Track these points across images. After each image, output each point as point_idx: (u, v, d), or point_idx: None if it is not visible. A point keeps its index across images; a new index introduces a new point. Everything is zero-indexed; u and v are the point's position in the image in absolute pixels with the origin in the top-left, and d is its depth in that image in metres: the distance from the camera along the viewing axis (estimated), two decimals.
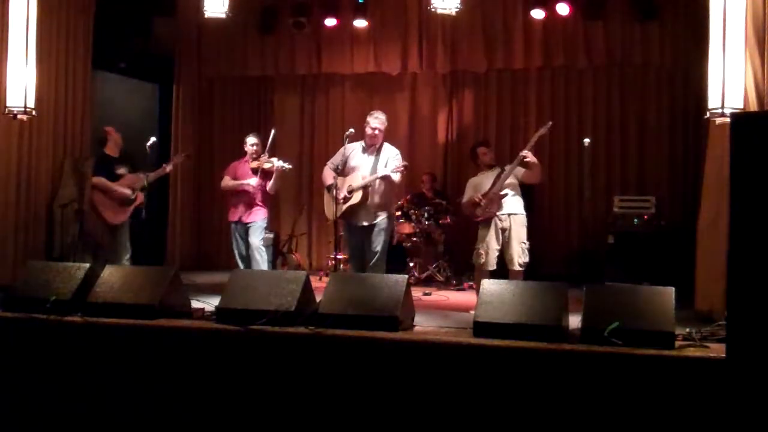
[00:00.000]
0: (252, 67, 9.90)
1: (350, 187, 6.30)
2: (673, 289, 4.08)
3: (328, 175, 6.42)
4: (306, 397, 4.24)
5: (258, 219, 7.14)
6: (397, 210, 8.54)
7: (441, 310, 6.21)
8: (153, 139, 6.78)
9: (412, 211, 8.62)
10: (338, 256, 7.38)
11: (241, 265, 7.08)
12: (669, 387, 3.73)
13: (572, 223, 9.00)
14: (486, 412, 3.98)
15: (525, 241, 6.28)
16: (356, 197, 6.27)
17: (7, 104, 5.82)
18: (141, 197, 6.97)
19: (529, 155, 6.25)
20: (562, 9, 8.60)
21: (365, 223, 6.30)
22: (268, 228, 7.77)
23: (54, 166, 8.06)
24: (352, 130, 6.38)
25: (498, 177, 6.37)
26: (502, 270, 6.29)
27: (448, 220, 8.63)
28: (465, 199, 6.59)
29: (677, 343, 3.92)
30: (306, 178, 9.81)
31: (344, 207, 6.25)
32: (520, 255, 6.22)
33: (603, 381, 3.82)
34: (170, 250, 9.70)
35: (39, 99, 6.19)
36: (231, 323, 4.42)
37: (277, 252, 9.16)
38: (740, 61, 4.86)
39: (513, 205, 6.31)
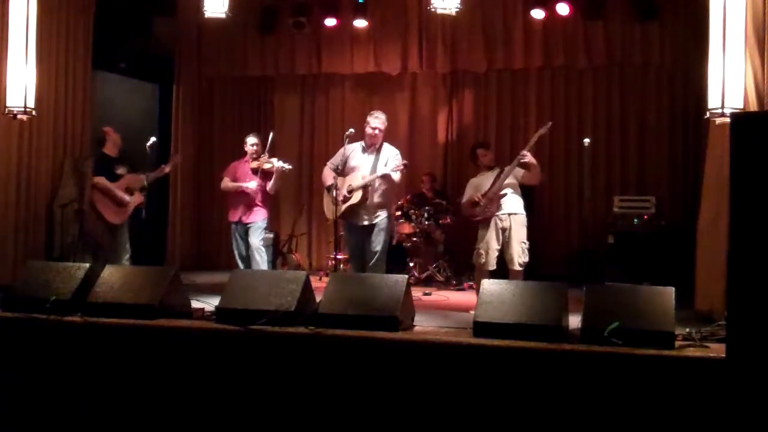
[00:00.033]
0: (252, 67, 9.90)
1: (350, 186, 6.30)
2: (673, 289, 4.08)
3: (328, 176, 6.42)
4: (306, 397, 4.24)
5: (258, 219, 7.14)
6: (397, 210, 8.55)
7: (441, 310, 6.22)
8: (153, 139, 6.79)
9: (412, 211, 8.62)
10: (338, 256, 7.38)
11: (241, 266, 7.09)
12: (669, 387, 3.73)
13: (572, 223, 9.00)
14: (486, 412, 3.98)
15: (525, 241, 6.28)
16: (356, 197, 6.27)
17: (7, 104, 5.82)
18: (141, 197, 6.97)
19: (527, 156, 6.24)
20: (562, 9, 8.59)
21: (365, 223, 6.30)
22: (268, 228, 7.77)
23: (54, 166, 8.06)
24: (352, 130, 6.38)
25: (497, 177, 6.37)
26: (502, 270, 6.28)
27: (448, 220, 8.63)
28: (465, 199, 6.59)
29: (677, 343, 3.92)
30: (306, 178, 9.81)
31: (344, 207, 6.25)
32: (520, 255, 6.22)
33: (603, 381, 3.82)
34: (170, 250, 9.70)
35: (39, 99, 6.19)
36: (231, 323, 4.42)
37: (277, 252, 9.16)
38: (740, 61, 4.85)
39: (513, 204, 6.31)
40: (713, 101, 4.86)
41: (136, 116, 9.91)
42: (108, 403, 4.50)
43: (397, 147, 6.64)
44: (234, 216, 7.21)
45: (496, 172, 6.48)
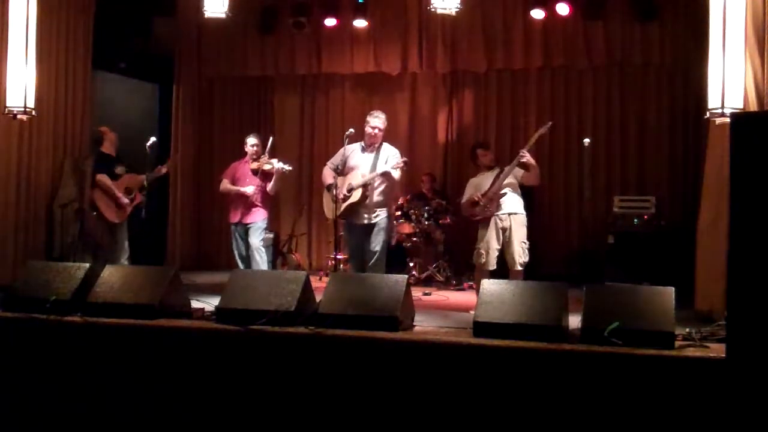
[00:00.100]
0: (252, 67, 9.90)
1: (350, 186, 6.30)
2: (673, 289, 4.08)
3: (328, 175, 6.43)
4: (306, 397, 4.24)
5: (258, 219, 7.14)
6: (397, 210, 8.55)
7: (441, 310, 6.21)
8: (153, 139, 6.80)
9: (412, 211, 8.62)
10: (338, 256, 7.38)
11: (241, 266, 7.09)
12: (669, 387, 3.73)
13: (572, 223, 9.00)
14: (486, 412, 3.98)
15: (525, 241, 6.28)
16: (356, 195, 6.27)
17: (7, 104, 5.81)
18: (141, 197, 6.97)
19: (527, 156, 6.24)
20: (562, 9, 8.59)
21: (365, 222, 6.30)
22: (268, 228, 7.77)
23: (54, 166, 8.07)
24: (352, 130, 6.38)
25: (497, 177, 6.37)
26: (502, 270, 6.28)
27: (448, 220, 8.63)
28: (465, 199, 6.59)
29: (677, 343, 3.92)
30: (306, 179, 9.81)
31: (344, 205, 6.25)
32: (520, 255, 6.22)
33: (603, 381, 3.82)
34: (170, 250, 9.70)
35: (39, 99, 6.19)
36: (231, 323, 4.42)
37: (277, 252, 9.16)
38: (740, 61, 4.85)
39: (513, 204, 6.31)
40: (713, 101, 4.86)
41: (136, 116, 9.92)
42: (108, 403, 4.50)
43: (397, 147, 6.64)
44: (234, 217, 7.22)
45: (495, 171, 6.48)
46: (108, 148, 7.04)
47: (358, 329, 4.26)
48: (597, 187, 8.54)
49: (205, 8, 6.19)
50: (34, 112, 5.94)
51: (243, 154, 7.40)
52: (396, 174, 6.32)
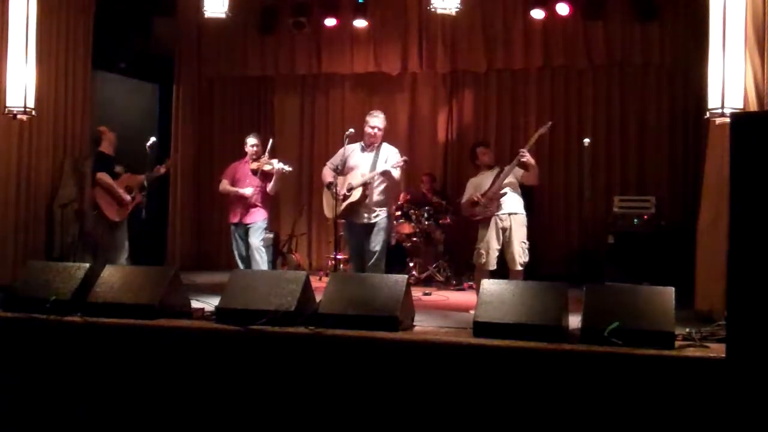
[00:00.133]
0: (252, 67, 9.90)
1: (350, 185, 6.30)
2: (673, 289, 4.08)
3: (328, 174, 6.43)
4: (306, 397, 4.24)
5: (258, 219, 7.14)
6: (397, 210, 8.55)
7: (441, 310, 6.21)
8: (153, 139, 6.80)
9: (412, 211, 8.62)
10: (338, 256, 7.38)
11: (241, 266, 7.09)
12: (669, 387, 3.73)
13: (572, 223, 9.00)
14: (486, 412, 3.98)
15: (525, 241, 6.28)
16: (356, 194, 6.27)
17: (7, 104, 5.81)
18: (140, 197, 6.97)
19: (526, 155, 6.24)
20: (562, 9, 8.59)
21: (365, 221, 6.30)
22: (268, 228, 7.77)
23: (54, 166, 8.08)
24: (351, 130, 6.39)
25: (497, 176, 6.37)
26: (502, 270, 6.28)
27: (448, 220, 8.63)
28: (465, 198, 6.59)
29: (677, 343, 3.92)
30: (306, 179, 9.81)
31: (344, 205, 6.26)
32: (520, 255, 6.22)
33: (603, 381, 3.82)
34: (170, 250, 9.70)
35: (39, 99, 6.19)
36: (231, 323, 4.42)
37: (277, 252, 9.16)
38: (740, 61, 4.85)
39: (513, 204, 6.31)
40: (713, 101, 4.86)
41: (136, 116, 9.92)
42: (108, 403, 4.49)
43: (397, 147, 6.64)
44: (234, 218, 7.22)
45: (495, 171, 6.48)
46: (107, 147, 7.04)
47: (358, 329, 4.25)
48: (597, 187, 8.54)
49: (205, 8, 6.19)
50: (34, 112, 5.93)
51: (243, 154, 7.39)
52: (396, 173, 6.32)
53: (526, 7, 8.82)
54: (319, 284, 6.05)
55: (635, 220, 7.95)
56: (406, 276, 4.68)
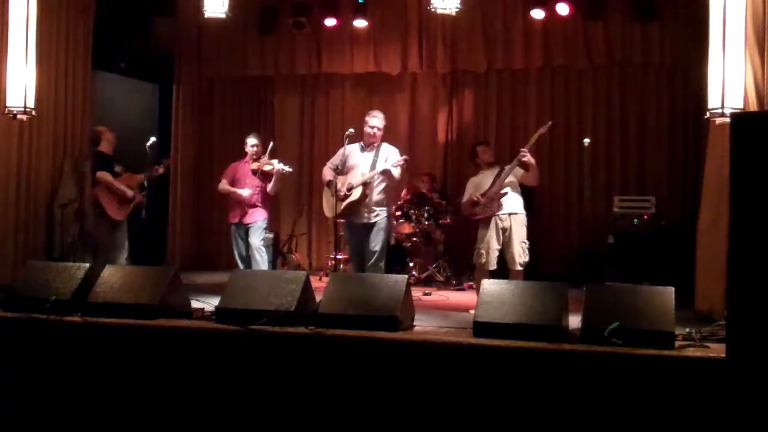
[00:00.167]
0: (252, 67, 9.90)
1: (350, 184, 6.30)
2: (673, 289, 4.08)
3: (328, 173, 6.45)
4: (306, 397, 4.24)
5: (258, 219, 7.15)
6: (397, 210, 8.55)
7: (441, 310, 6.21)
8: (153, 139, 6.80)
9: (412, 211, 8.62)
10: (338, 256, 7.38)
11: (241, 266, 7.09)
12: (669, 387, 3.73)
13: (572, 223, 9.00)
14: (486, 412, 3.98)
15: (525, 241, 6.28)
16: (356, 193, 6.27)
17: (7, 104, 5.81)
18: (140, 197, 6.97)
19: (527, 155, 6.24)
20: (562, 9, 8.60)
21: (365, 221, 6.30)
22: (268, 228, 7.77)
23: (54, 166, 8.07)
24: (351, 130, 6.39)
25: (498, 176, 6.37)
26: (502, 270, 6.28)
27: (448, 220, 8.63)
28: (465, 198, 6.58)
29: (677, 343, 3.91)
30: (306, 178, 9.81)
31: (343, 204, 6.26)
32: (520, 255, 6.22)
33: (603, 381, 3.82)
34: (170, 250, 9.70)
35: (39, 99, 6.19)
36: (231, 323, 4.42)
37: (277, 252, 9.16)
38: (740, 61, 4.85)
39: (513, 204, 6.31)
40: (713, 101, 4.86)
41: (136, 116, 9.93)
42: (108, 403, 4.49)
43: (397, 147, 6.65)
44: (234, 218, 7.22)
45: (496, 170, 6.47)
46: (106, 147, 7.03)
47: (358, 329, 4.25)
48: (597, 187, 8.54)
49: (205, 8, 6.19)
50: (34, 112, 5.93)
51: (243, 154, 7.40)
52: (396, 172, 6.32)
53: (526, 7, 8.82)
54: (319, 284, 6.05)
55: (635, 220, 7.95)
56: (406, 276, 4.68)
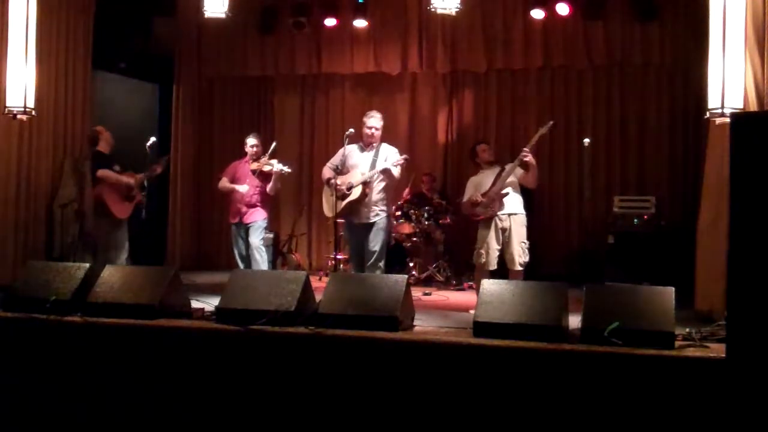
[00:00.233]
0: (252, 67, 9.90)
1: (350, 183, 6.30)
2: (673, 289, 4.08)
3: (327, 172, 6.46)
4: (306, 397, 4.24)
5: (258, 219, 7.15)
6: (397, 210, 8.55)
7: (441, 310, 6.21)
8: (153, 139, 6.79)
9: (412, 211, 8.62)
10: (338, 256, 7.38)
11: (242, 266, 7.09)
12: (669, 387, 3.73)
13: (572, 223, 9.00)
14: (486, 412, 3.98)
15: (525, 241, 6.28)
16: (355, 192, 6.27)
17: (7, 104, 5.81)
18: (140, 196, 6.97)
19: (528, 155, 6.24)
20: (562, 9, 8.60)
21: (364, 221, 6.30)
22: (268, 228, 7.77)
23: (54, 166, 8.07)
24: (351, 130, 6.39)
25: (498, 176, 6.37)
26: (502, 270, 6.28)
27: (448, 220, 8.63)
28: (465, 198, 6.58)
29: (677, 343, 3.91)
30: (306, 178, 9.81)
31: (343, 203, 6.25)
32: (520, 255, 6.22)
33: (603, 381, 3.82)
34: (170, 250, 9.71)
35: (39, 99, 6.19)
36: (231, 323, 4.42)
37: (277, 252, 9.15)
38: (740, 61, 4.85)
39: (513, 204, 6.31)
40: (713, 101, 4.86)
41: (136, 116, 9.92)
42: (108, 403, 4.49)
43: (397, 147, 6.65)
44: (234, 218, 7.22)
45: (496, 170, 6.47)
46: (104, 147, 7.02)
47: (358, 329, 4.25)
48: (597, 187, 8.55)
49: (205, 8, 6.19)
50: (34, 112, 5.93)
51: (243, 154, 7.40)
52: (396, 171, 6.33)
53: (526, 7, 8.83)
54: (319, 284, 6.06)
55: (635, 220, 7.96)
56: (406, 276, 4.68)
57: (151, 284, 4.76)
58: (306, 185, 9.83)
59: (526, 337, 4.02)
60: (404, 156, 6.42)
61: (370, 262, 6.25)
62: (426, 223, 8.54)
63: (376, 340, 4.19)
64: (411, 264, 8.57)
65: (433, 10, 5.91)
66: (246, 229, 7.14)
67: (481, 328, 4.17)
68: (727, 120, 4.56)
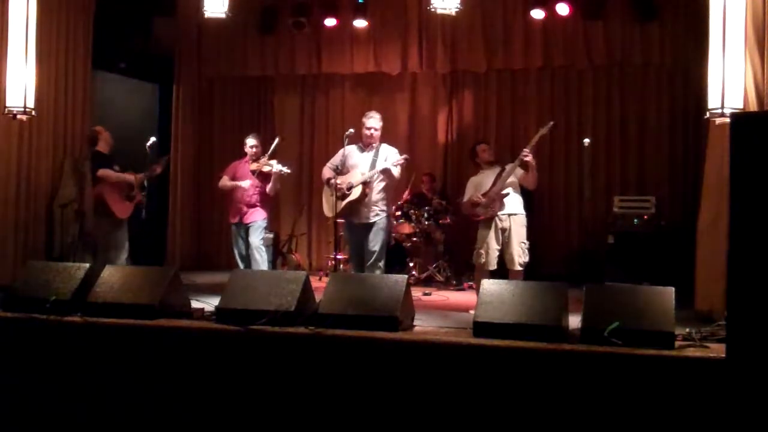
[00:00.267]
0: (252, 67, 9.90)
1: (350, 183, 6.30)
2: (673, 289, 4.08)
3: (327, 172, 6.47)
4: (306, 397, 4.24)
5: (258, 219, 7.15)
6: (397, 210, 8.55)
7: (441, 310, 6.21)
8: (153, 139, 6.79)
9: (412, 211, 8.62)
10: (338, 256, 7.38)
11: (242, 266, 7.09)
12: (669, 387, 3.73)
13: (572, 223, 9.00)
14: (486, 412, 3.98)
15: (525, 241, 6.28)
16: (355, 192, 6.27)
17: (7, 104, 5.81)
18: (140, 196, 6.97)
19: (529, 155, 6.24)
20: (562, 9, 8.60)
21: (364, 221, 6.31)
22: (268, 228, 7.77)
23: (54, 166, 8.07)
24: (351, 130, 6.39)
25: (499, 176, 6.37)
26: (502, 270, 6.29)
27: (448, 220, 8.63)
28: (465, 198, 6.58)
29: (677, 343, 3.92)
30: (306, 178, 9.82)
31: (343, 204, 6.26)
32: (520, 255, 6.22)
33: (603, 381, 3.82)
34: (170, 250, 9.71)
35: (39, 99, 6.19)
36: (231, 323, 4.42)
37: (277, 252, 9.16)
38: (740, 61, 4.85)
39: (513, 205, 6.31)
40: (713, 101, 4.86)
41: (136, 116, 9.92)
42: (108, 403, 4.49)
43: (397, 147, 6.65)
44: (234, 217, 7.22)
45: (496, 170, 6.47)
46: (103, 147, 7.01)
47: (358, 329, 4.25)
48: (597, 187, 8.54)
49: (205, 8, 6.19)
50: (34, 112, 5.93)
51: (243, 154, 7.40)
52: (396, 171, 6.33)
53: (526, 7, 8.83)
54: (319, 284, 6.06)
55: (635, 220, 7.96)
56: (406, 276, 4.68)
57: (151, 284, 4.76)
58: (306, 185, 9.83)
59: (526, 337, 4.02)
60: (404, 156, 6.42)
61: (370, 262, 6.25)
62: (426, 223, 8.54)
63: (376, 340, 4.19)
64: (411, 264, 8.57)
65: (433, 10, 5.91)
66: (246, 229, 7.14)
67: (481, 328, 4.17)
68: (727, 120, 4.56)
